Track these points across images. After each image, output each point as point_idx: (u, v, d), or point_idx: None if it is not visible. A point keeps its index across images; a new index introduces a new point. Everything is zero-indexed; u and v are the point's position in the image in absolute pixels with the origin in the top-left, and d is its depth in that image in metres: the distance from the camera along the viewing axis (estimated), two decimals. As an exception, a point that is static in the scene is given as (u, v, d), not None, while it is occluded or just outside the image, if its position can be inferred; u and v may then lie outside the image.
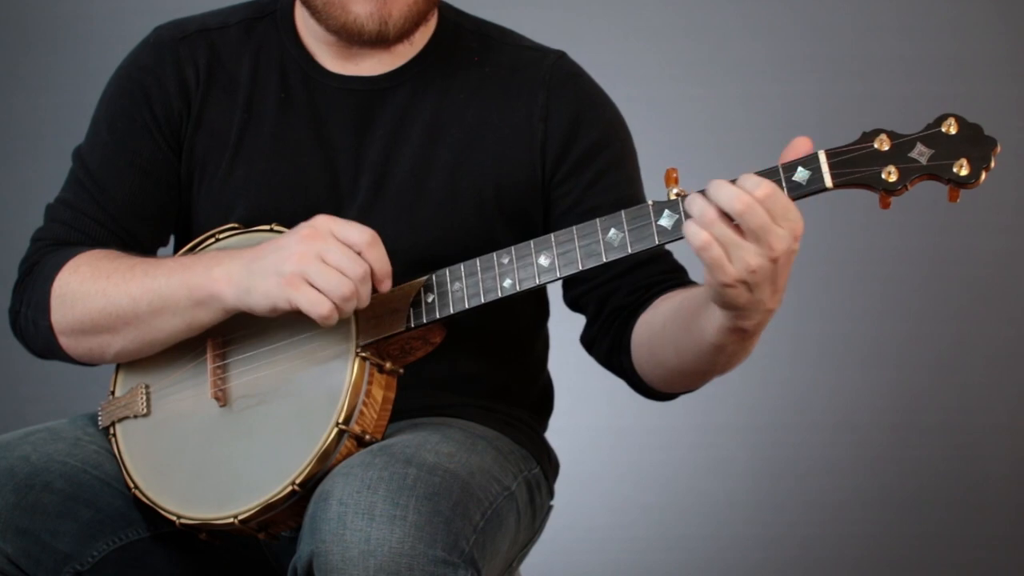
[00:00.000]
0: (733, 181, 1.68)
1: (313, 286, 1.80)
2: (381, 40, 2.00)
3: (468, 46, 2.09)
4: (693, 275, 2.01)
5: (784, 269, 1.71)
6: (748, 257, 1.67)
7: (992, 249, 3.46)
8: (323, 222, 1.83)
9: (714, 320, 1.78)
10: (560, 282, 1.95)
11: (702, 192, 1.69)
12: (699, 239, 1.67)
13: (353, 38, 2.00)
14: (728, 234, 1.67)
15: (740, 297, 1.71)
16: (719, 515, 3.50)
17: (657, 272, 1.99)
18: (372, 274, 1.83)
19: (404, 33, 2.01)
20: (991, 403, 3.47)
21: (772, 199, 1.66)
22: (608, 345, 2.02)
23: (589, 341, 2.06)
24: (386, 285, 1.84)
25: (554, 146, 2.04)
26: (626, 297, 1.99)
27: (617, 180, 2.04)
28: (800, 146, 1.73)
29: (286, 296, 1.81)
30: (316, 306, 1.80)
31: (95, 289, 1.94)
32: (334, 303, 1.80)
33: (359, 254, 1.82)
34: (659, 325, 1.92)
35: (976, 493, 3.47)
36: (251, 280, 1.84)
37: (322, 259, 1.80)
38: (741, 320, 1.75)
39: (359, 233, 1.82)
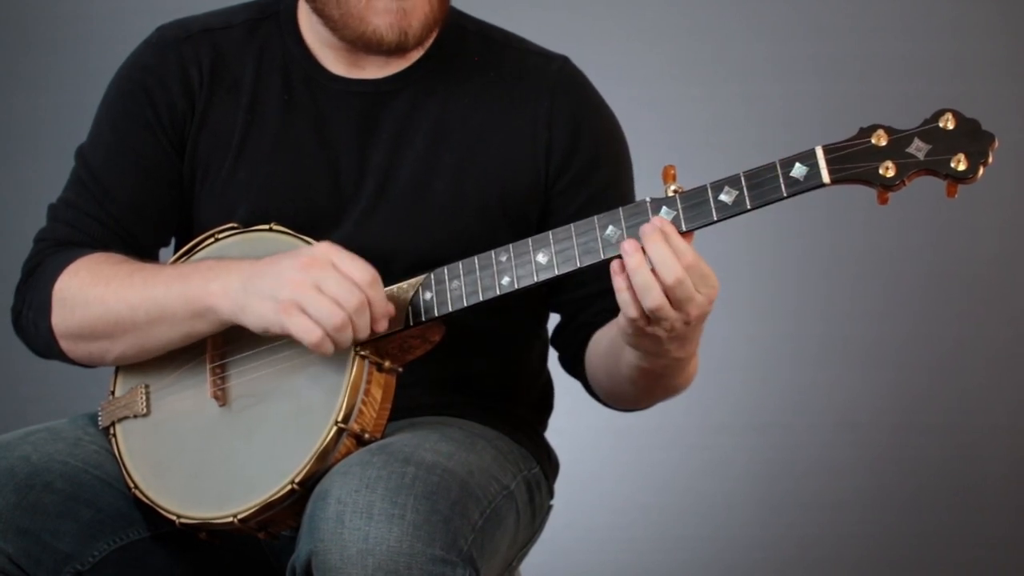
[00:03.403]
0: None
1: (307, 314, 1.80)
2: (400, 50, 2.00)
3: (471, 49, 2.09)
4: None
5: (697, 327, 1.79)
6: (665, 319, 1.75)
7: (992, 249, 3.46)
8: (324, 250, 1.83)
9: (626, 356, 1.86)
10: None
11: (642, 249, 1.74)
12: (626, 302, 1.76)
13: (371, 49, 2.00)
14: (666, 308, 1.73)
15: (644, 342, 1.79)
16: (719, 515, 3.50)
17: None
18: (370, 308, 1.83)
19: (421, 41, 2.01)
20: (991, 403, 3.47)
21: (694, 268, 1.73)
22: (571, 356, 2.08)
23: (557, 344, 2.13)
24: (382, 325, 1.85)
25: (558, 154, 2.05)
26: (594, 316, 2.03)
27: (614, 197, 2.03)
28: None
29: (279, 321, 1.82)
30: (307, 334, 1.80)
31: (94, 295, 1.95)
32: (327, 332, 1.80)
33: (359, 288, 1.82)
34: (600, 351, 2.00)
35: (976, 493, 3.47)
36: (246, 298, 1.84)
37: (319, 288, 1.80)
38: (645, 361, 1.83)
39: (361, 270, 1.82)
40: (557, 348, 2.12)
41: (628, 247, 1.74)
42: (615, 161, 2.10)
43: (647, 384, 1.91)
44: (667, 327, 1.75)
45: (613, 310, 1.96)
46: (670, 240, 1.73)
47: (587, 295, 2.02)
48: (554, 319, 2.14)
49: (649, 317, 1.75)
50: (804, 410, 3.49)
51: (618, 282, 1.75)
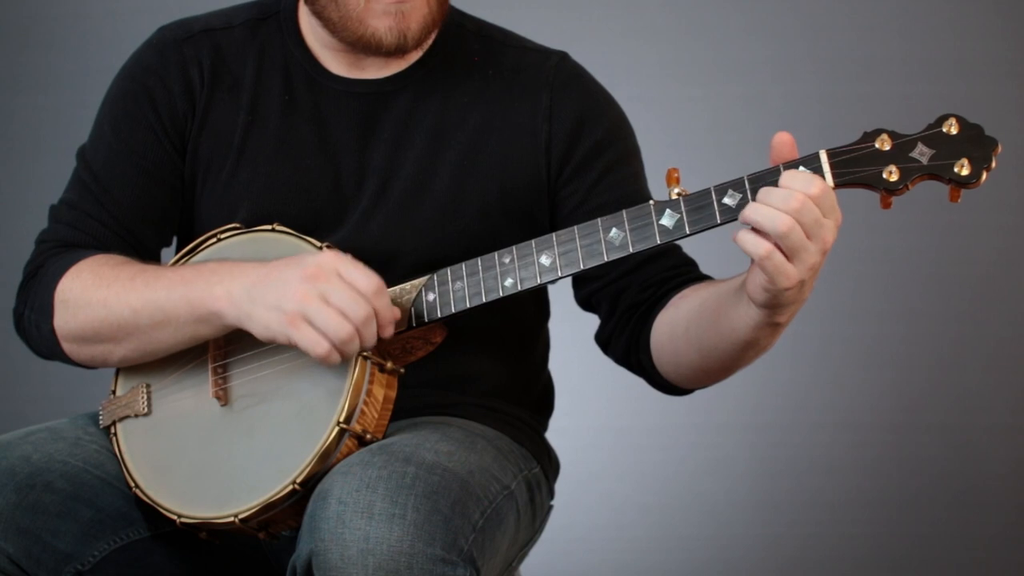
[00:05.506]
0: (775, 183, 1.70)
1: (313, 326, 1.80)
2: (399, 52, 2.00)
3: (470, 48, 2.09)
4: (703, 268, 2.02)
5: (813, 278, 1.74)
6: (809, 257, 1.70)
7: (992, 249, 3.46)
8: (330, 260, 1.83)
9: (749, 317, 1.79)
10: (568, 281, 1.96)
11: (754, 199, 1.70)
12: (761, 249, 1.69)
13: (370, 51, 2.00)
14: (801, 238, 1.69)
15: (792, 295, 1.73)
16: (719, 515, 3.50)
17: (668, 267, 1.99)
18: (376, 317, 1.83)
19: (420, 43, 2.01)
20: (991, 403, 3.47)
21: (824, 196, 1.69)
22: (625, 344, 2.02)
23: (604, 340, 2.06)
24: (388, 332, 1.85)
25: (559, 146, 2.04)
26: (639, 294, 1.99)
27: (622, 177, 2.05)
28: (784, 141, 1.74)
29: (285, 333, 1.82)
30: (315, 346, 1.80)
31: (96, 298, 1.95)
32: (334, 345, 1.80)
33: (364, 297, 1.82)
34: (682, 326, 1.93)
35: (976, 493, 3.47)
36: (251, 307, 1.84)
37: (325, 300, 1.80)
38: (778, 315, 1.77)
39: (367, 280, 1.82)
40: (606, 343, 2.06)
41: (751, 211, 1.70)
42: (621, 143, 2.08)
43: (764, 343, 1.84)
44: (812, 265, 1.71)
45: (659, 282, 1.98)
46: (784, 182, 1.70)
47: (622, 275, 1.99)
48: (560, 321, 2.14)
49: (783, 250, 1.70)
50: (804, 410, 3.49)
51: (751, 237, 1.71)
